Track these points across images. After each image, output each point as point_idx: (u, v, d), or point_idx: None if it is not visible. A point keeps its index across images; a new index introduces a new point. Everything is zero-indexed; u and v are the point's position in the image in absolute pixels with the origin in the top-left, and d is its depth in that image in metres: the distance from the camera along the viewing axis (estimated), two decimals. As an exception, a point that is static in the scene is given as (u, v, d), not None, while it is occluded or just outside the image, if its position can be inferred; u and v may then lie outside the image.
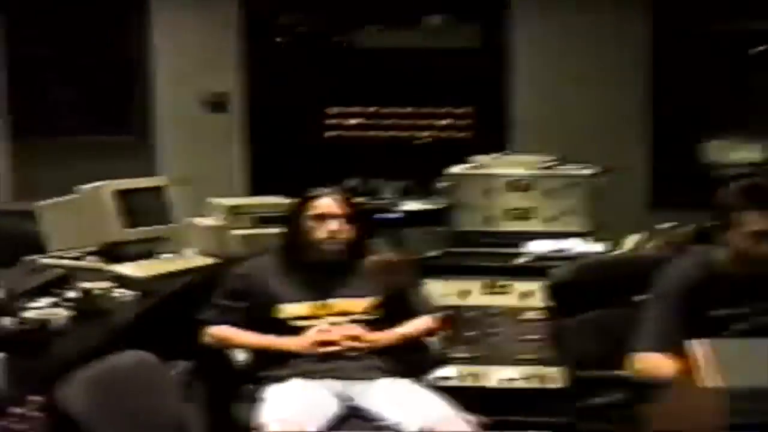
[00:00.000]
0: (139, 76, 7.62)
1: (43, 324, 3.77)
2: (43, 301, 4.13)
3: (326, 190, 4.40)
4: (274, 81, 7.68)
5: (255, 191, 7.20)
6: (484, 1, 7.55)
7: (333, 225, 4.30)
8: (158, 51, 7.59)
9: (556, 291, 4.26)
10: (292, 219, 4.43)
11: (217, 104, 7.59)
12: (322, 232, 4.30)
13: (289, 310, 4.27)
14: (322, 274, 4.33)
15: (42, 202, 5.21)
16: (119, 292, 4.43)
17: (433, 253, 5.46)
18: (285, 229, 4.47)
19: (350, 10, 7.59)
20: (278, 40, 7.73)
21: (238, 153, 7.64)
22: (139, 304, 4.47)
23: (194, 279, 4.99)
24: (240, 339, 4.33)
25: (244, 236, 5.33)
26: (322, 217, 4.31)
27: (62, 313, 3.95)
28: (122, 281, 4.65)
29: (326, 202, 4.34)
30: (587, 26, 7.28)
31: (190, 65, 7.59)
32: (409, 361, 4.28)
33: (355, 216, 4.38)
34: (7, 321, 3.75)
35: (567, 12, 7.29)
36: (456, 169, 5.69)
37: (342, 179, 6.59)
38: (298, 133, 7.70)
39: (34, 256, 5.01)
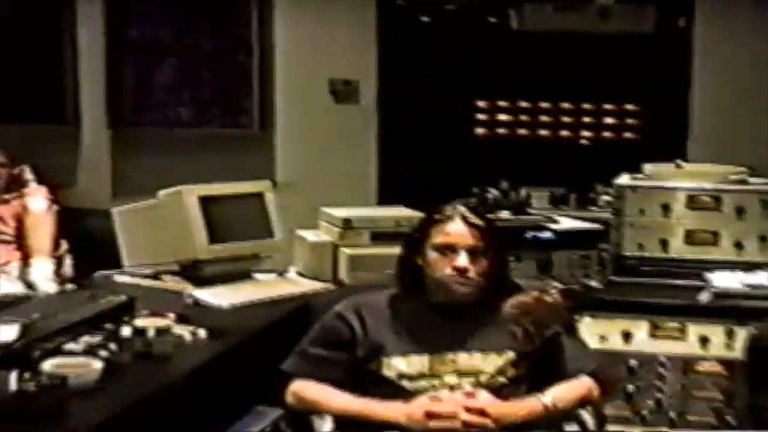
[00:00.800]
0: (258, 59, 7.03)
1: (62, 380, 2.87)
2: (84, 342, 3.29)
3: (458, 209, 3.44)
4: (415, 68, 7.02)
5: (385, 197, 6.57)
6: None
7: (463, 260, 3.36)
8: (279, 31, 6.98)
9: (756, 348, 3.87)
10: (410, 246, 3.50)
11: (347, 93, 6.90)
12: (447, 267, 3.37)
13: (398, 365, 3.34)
14: (445, 319, 3.40)
15: (119, 207, 4.60)
16: (187, 330, 3.55)
17: (592, 284, 4.64)
18: (400, 258, 3.54)
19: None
20: (423, 19, 7.06)
21: (369, 151, 6.96)
22: (212, 347, 3.59)
23: (291, 310, 4.15)
24: (330, 402, 3.37)
25: (355, 256, 4.52)
26: (450, 248, 3.38)
27: (94, 365, 3.02)
28: (204, 309, 4.00)
29: (456, 228, 3.40)
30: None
31: (317, 48, 6.93)
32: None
33: (495, 244, 3.43)
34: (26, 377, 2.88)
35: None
36: (624, 178, 4.88)
37: (487, 184, 5.73)
38: (440, 129, 7.04)
39: (109, 272, 4.55)
